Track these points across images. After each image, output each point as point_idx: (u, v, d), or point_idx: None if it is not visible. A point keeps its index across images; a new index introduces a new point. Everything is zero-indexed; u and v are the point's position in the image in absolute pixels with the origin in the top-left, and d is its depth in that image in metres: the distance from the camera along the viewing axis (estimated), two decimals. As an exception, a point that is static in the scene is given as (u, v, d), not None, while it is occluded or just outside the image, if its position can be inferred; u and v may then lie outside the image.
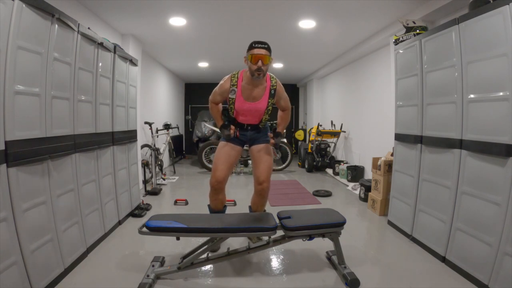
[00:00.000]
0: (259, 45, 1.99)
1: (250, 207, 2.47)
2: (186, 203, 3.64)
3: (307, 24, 3.57)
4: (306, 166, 6.03)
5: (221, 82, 2.19)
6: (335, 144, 5.96)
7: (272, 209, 3.24)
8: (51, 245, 1.76)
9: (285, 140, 6.10)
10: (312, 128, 6.61)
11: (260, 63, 1.97)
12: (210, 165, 5.80)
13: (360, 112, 5.18)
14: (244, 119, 2.24)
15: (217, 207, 2.31)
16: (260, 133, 2.32)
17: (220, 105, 2.36)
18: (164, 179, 4.93)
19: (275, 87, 2.13)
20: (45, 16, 1.69)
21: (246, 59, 2.04)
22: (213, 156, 5.80)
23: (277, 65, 6.23)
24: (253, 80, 2.06)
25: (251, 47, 2.01)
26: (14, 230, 1.47)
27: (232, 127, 2.24)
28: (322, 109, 7.36)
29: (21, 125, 1.52)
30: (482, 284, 1.77)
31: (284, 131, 2.56)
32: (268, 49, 2.02)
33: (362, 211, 3.43)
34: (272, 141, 2.21)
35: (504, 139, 1.64)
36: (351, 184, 4.61)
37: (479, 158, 1.84)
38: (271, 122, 5.62)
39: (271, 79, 2.15)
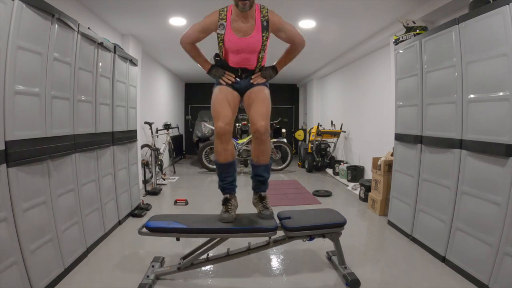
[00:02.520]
0: None
1: (250, 160, 2.10)
2: (186, 203, 3.64)
3: (307, 24, 3.57)
4: (306, 166, 6.03)
5: (206, 16, 1.88)
6: (335, 144, 5.96)
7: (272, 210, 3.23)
8: (51, 245, 1.76)
9: (284, 140, 6.09)
10: (312, 128, 6.61)
11: None
12: (210, 165, 5.79)
13: (360, 112, 5.18)
14: (237, 61, 1.93)
15: (228, 159, 1.94)
16: None
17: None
18: (164, 179, 4.93)
19: (266, 17, 1.84)
20: (45, 16, 1.69)
21: None
22: (213, 156, 5.79)
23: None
24: (241, 12, 1.79)
25: None
26: (14, 230, 1.48)
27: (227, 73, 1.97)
28: (322, 109, 7.35)
29: (21, 125, 1.53)
30: (482, 284, 1.77)
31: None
32: None
33: (362, 211, 3.43)
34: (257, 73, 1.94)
35: (504, 139, 1.64)
36: (351, 184, 4.61)
37: (479, 158, 1.84)
38: (271, 122, 5.59)
39: (261, 9, 1.85)
